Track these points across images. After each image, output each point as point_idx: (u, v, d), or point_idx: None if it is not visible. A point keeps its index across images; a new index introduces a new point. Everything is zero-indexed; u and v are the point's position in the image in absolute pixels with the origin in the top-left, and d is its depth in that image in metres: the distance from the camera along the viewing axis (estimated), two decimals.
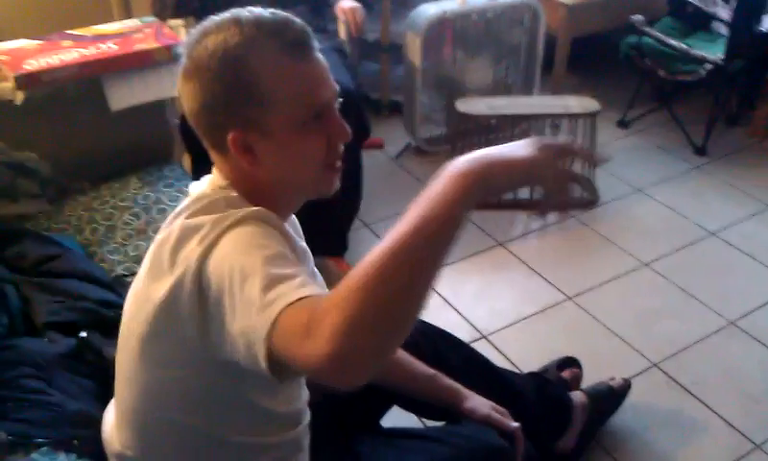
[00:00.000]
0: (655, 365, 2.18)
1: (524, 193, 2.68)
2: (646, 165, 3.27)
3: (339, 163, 1.07)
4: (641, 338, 2.28)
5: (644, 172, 3.21)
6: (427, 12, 3.04)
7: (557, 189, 0.90)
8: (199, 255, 0.92)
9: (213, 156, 1.08)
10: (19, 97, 2.00)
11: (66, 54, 2.06)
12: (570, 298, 2.47)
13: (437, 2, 3.16)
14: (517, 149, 0.88)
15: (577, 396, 1.85)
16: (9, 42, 2.13)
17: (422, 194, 0.82)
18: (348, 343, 0.74)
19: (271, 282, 0.84)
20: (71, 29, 2.22)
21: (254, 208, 0.97)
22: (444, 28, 3.09)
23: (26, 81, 1.97)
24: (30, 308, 1.69)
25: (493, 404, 1.50)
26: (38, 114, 2.08)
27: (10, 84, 2.00)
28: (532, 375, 1.87)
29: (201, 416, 1.06)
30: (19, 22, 2.49)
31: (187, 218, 0.99)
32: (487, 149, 0.87)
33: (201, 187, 1.09)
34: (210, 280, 0.90)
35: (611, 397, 1.92)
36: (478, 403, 1.49)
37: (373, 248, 0.78)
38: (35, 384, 1.39)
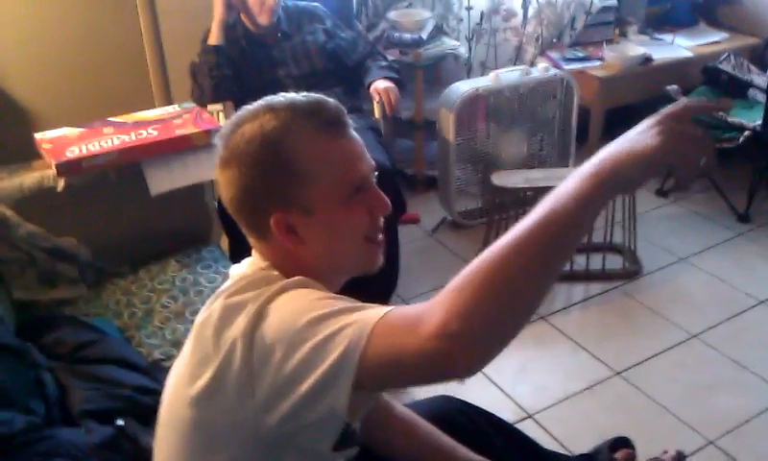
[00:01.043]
0: (711, 442, 2.08)
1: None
2: (688, 234, 3.20)
3: (381, 237, 1.07)
4: (695, 414, 2.18)
5: (686, 241, 3.13)
6: (460, 89, 3.06)
7: (689, 164, 0.85)
8: (245, 330, 0.90)
9: (252, 240, 1.07)
10: (60, 184, 2.03)
11: (107, 141, 2.10)
12: (618, 373, 2.38)
13: (469, 80, 3.19)
14: (643, 137, 0.83)
15: None
16: (52, 131, 2.18)
17: (551, 193, 0.82)
18: (464, 322, 0.75)
19: (348, 310, 0.86)
20: (113, 116, 2.27)
21: (296, 278, 0.96)
22: (477, 103, 3.10)
23: (67, 168, 2.01)
24: (66, 396, 1.68)
25: None
26: (79, 200, 2.11)
27: (52, 172, 2.04)
28: (582, 457, 1.79)
29: None
30: (63, 110, 2.56)
31: (227, 298, 0.97)
32: (614, 143, 0.84)
33: (241, 269, 1.08)
34: (264, 351, 0.88)
35: None
36: None
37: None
38: None
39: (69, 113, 2.48)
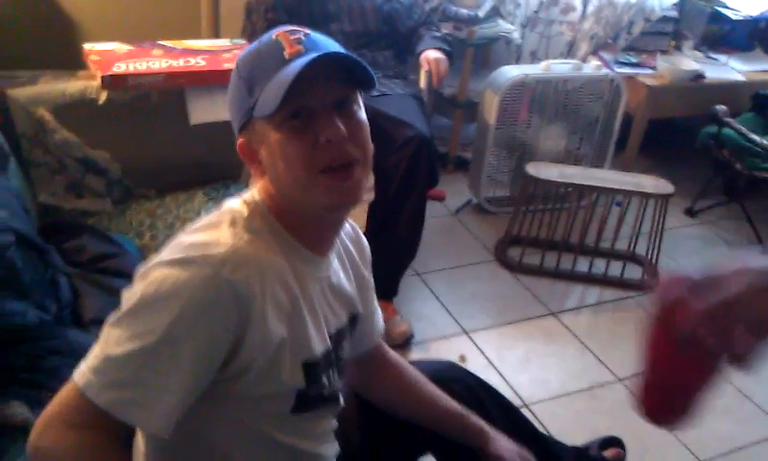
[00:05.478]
0: None
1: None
2: (711, 257, 3.17)
3: (338, 167, 0.97)
4: (690, 433, 2.17)
5: (709, 263, 3.10)
6: (509, 73, 3.04)
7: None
8: (136, 274, 0.95)
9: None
10: (103, 97, 2.05)
11: (155, 62, 2.11)
12: (620, 380, 2.38)
13: (519, 66, 3.16)
14: None
15: None
16: (101, 44, 2.20)
17: None
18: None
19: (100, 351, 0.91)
20: (160, 40, 2.28)
21: (221, 254, 0.92)
22: (523, 91, 3.08)
23: (112, 82, 2.03)
24: (79, 302, 1.70)
25: (520, 450, 1.43)
26: (117, 116, 2.13)
27: (96, 83, 2.05)
28: (573, 448, 1.79)
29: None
30: (113, 26, 2.57)
31: (186, 234, 0.98)
32: None
33: (233, 200, 1.06)
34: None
35: None
36: (504, 447, 1.42)
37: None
38: None
39: (119, 30, 2.50)
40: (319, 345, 1.06)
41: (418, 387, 1.39)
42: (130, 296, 0.92)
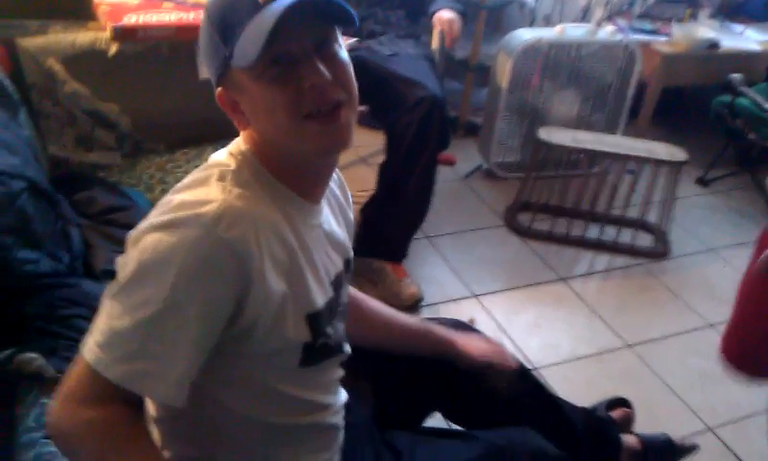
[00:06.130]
0: (711, 429, 2.07)
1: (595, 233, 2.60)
2: (722, 226, 3.15)
3: (324, 110, 0.93)
4: (699, 399, 2.18)
5: (719, 233, 3.09)
6: (523, 36, 3.00)
7: None
8: (128, 240, 0.91)
9: None
10: (113, 49, 2.02)
11: (165, 15, 2.07)
12: (629, 345, 2.37)
13: (533, 29, 3.12)
14: None
15: (630, 440, 1.75)
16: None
17: None
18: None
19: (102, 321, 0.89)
20: None
21: (213, 212, 0.88)
22: (537, 55, 3.04)
23: (122, 33, 2.00)
24: (91, 253, 1.69)
25: (490, 345, 1.42)
26: (127, 69, 2.10)
27: (107, 35, 2.02)
28: (581, 409, 1.78)
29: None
30: None
31: (174, 193, 0.95)
32: None
33: (219, 153, 1.02)
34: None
35: (667, 451, 1.82)
36: (473, 345, 1.41)
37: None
38: (88, 327, 1.38)
39: None
40: (320, 296, 1.04)
41: (380, 314, 1.39)
42: (125, 265, 0.89)
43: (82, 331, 1.36)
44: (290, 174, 1.00)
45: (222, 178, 0.94)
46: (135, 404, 0.93)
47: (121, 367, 0.87)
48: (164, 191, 2.01)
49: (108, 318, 0.88)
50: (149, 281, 0.87)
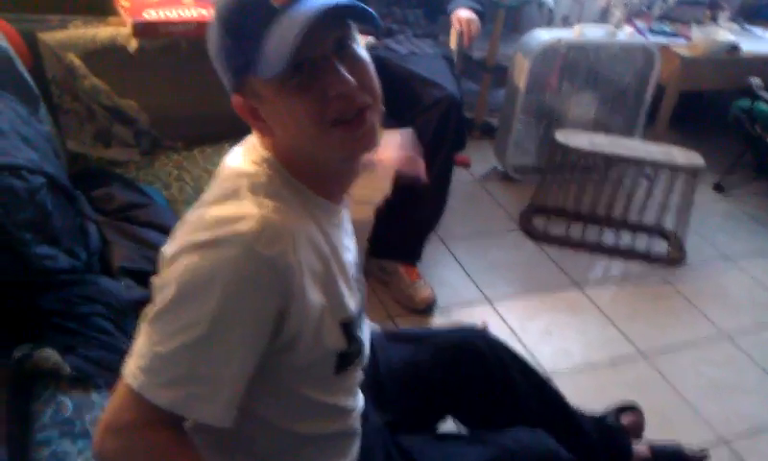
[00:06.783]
0: (724, 441, 2.06)
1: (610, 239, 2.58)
2: (738, 234, 3.13)
3: (358, 116, 0.92)
4: (712, 410, 2.16)
5: (735, 240, 3.07)
6: (541, 37, 2.98)
7: None
8: (162, 260, 0.91)
9: None
10: (133, 45, 2.02)
11: (185, 9, 2.07)
12: (643, 353, 2.36)
13: (552, 29, 3.10)
14: None
15: (640, 448, 1.74)
16: None
17: None
18: None
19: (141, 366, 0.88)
20: None
21: (253, 229, 0.86)
22: (555, 57, 3.02)
23: (143, 29, 2.00)
24: (108, 250, 1.69)
25: (406, 147, 1.39)
26: (147, 65, 2.10)
27: (127, 30, 2.02)
28: (591, 417, 1.78)
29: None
30: None
31: (204, 207, 0.93)
32: None
33: (237, 159, 1.00)
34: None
35: (677, 459, 1.81)
36: (386, 154, 1.37)
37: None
38: (105, 325, 1.39)
39: None
40: (351, 301, 1.04)
41: None
42: (163, 287, 0.88)
43: (98, 329, 1.38)
44: (315, 177, 0.99)
45: (254, 190, 0.92)
46: (179, 425, 0.92)
47: (169, 392, 0.86)
48: (182, 188, 2.02)
49: (149, 342, 0.87)
50: (191, 303, 0.86)
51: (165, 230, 1.76)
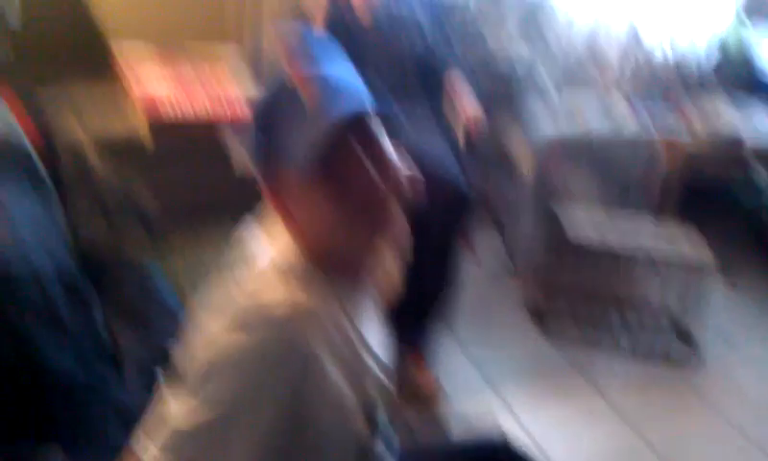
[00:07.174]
0: None
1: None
2: (755, 329, 3.08)
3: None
4: None
5: (752, 336, 3.03)
6: (545, 130, 3.02)
7: None
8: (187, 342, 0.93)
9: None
10: (149, 142, 2.03)
11: (197, 97, 2.07)
12: (656, 452, 2.30)
13: (555, 120, 3.13)
14: None
15: None
16: (127, 44, 2.13)
17: None
18: None
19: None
20: (184, 41, 2.26)
21: (284, 316, 0.90)
22: (559, 148, 3.06)
23: (161, 131, 2.01)
24: (116, 345, 1.67)
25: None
26: (161, 159, 2.11)
27: (143, 128, 2.04)
28: None
29: None
30: (133, 24, 2.45)
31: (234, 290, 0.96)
32: None
33: (260, 242, 1.03)
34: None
35: None
36: None
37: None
38: (113, 431, 1.35)
39: (140, 27, 2.40)
40: (373, 387, 1.05)
41: None
42: (191, 364, 0.90)
43: (106, 437, 1.35)
44: (341, 265, 1.00)
45: (285, 279, 0.94)
46: None
47: None
48: (192, 283, 2.00)
49: (170, 418, 0.88)
50: (217, 382, 0.87)
51: (175, 320, 1.75)
